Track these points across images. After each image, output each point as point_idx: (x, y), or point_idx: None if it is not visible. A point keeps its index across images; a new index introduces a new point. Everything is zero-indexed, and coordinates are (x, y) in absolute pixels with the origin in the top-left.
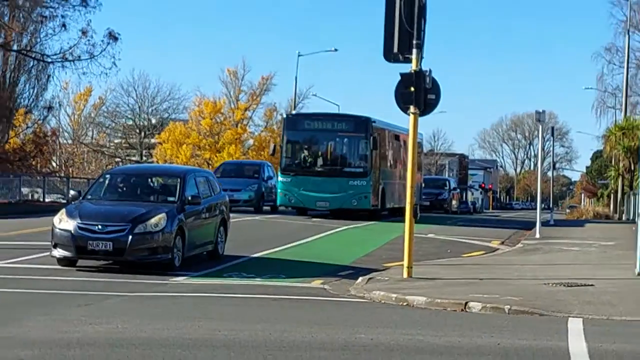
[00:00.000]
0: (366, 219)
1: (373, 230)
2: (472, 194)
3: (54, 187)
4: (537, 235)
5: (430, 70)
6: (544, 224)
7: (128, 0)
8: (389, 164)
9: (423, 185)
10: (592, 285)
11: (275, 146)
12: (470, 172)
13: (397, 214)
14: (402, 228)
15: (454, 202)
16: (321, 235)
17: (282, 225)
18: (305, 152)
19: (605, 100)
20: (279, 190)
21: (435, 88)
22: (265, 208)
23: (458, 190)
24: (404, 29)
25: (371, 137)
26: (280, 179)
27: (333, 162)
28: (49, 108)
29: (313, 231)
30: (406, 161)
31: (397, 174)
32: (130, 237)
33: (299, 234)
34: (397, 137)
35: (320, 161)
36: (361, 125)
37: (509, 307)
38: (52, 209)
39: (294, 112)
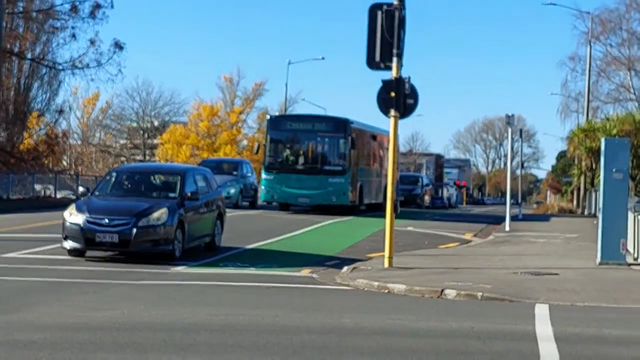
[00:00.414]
0: (345, 214)
1: (355, 224)
2: (448, 190)
3: (65, 184)
4: (507, 229)
5: (409, 77)
6: (513, 218)
7: (133, 13)
8: (366, 162)
9: (398, 182)
10: (557, 274)
11: (259, 145)
12: (445, 170)
13: (374, 210)
14: (382, 222)
15: (426, 197)
16: (308, 228)
17: (270, 219)
18: (288, 151)
19: (569, 105)
20: (262, 187)
21: (413, 93)
22: (244, 204)
23: (430, 186)
24: (385, 39)
25: (349, 137)
26: (263, 176)
27: (313, 161)
28: (60, 111)
29: (300, 225)
30: (382, 160)
31: (374, 171)
32: (134, 230)
33: (287, 228)
34: (374, 137)
35: (301, 160)
36: (340, 126)
37: (481, 294)
38: (62, 204)
39: (277, 113)
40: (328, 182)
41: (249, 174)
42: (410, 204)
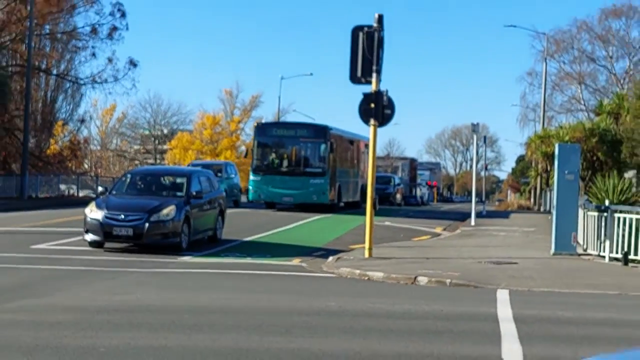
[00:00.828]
0: (326, 211)
1: (337, 220)
2: (420, 190)
3: (86, 184)
4: (473, 223)
5: (387, 91)
6: (478, 214)
7: (146, 33)
8: (344, 165)
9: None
10: (516, 263)
11: (247, 150)
12: (419, 172)
13: (352, 207)
14: (361, 218)
15: (398, 195)
16: (296, 224)
17: (260, 216)
18: (273, 155)
19: (527, 115)
20: (250, 187)
21: (391, 105)
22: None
23: (401, 185)
24: (366, 57)
25: (329, 142)
26: (251, 177)
27: (296, 164)
28: (82, 121)
29: (289, 221)
30: (359, 162)
31: (352, 173)
32: (147, 224)
33: (278, 223)
34: (351, 142)
35: (285, 163)
36: (320, 132)
37: (450, 280)
38: (84, 202)
39: (263, 121)
40: (309, 182)
41: (233, 175)
42: (384, 201)
